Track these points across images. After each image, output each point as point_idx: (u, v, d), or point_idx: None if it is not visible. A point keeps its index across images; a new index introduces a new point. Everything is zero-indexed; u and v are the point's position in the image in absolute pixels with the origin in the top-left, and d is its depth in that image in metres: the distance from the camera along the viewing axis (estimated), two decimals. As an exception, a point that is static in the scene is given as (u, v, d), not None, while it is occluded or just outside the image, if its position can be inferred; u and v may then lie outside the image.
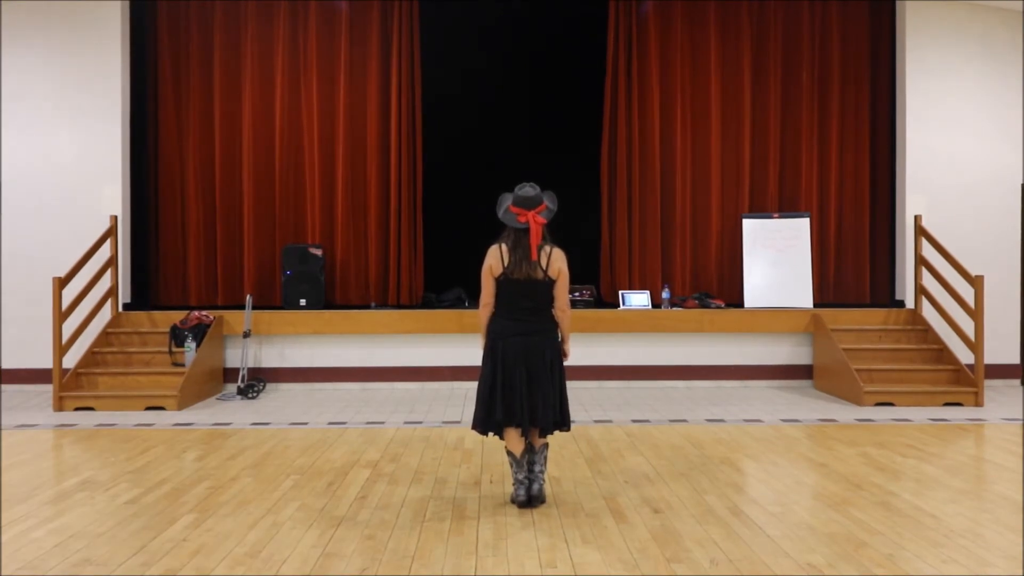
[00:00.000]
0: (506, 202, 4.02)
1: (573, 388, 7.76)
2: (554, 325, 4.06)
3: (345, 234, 8.34)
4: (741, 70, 8.48)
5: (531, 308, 3.97)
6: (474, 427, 4.04)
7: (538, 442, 4.04)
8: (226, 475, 4.66)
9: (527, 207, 3.94)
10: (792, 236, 8.07)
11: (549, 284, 3.96)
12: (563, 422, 4.04)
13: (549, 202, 4.02)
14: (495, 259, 3.97)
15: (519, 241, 3.94)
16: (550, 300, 4.00)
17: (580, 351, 7.89)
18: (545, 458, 4.08)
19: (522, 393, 3.89)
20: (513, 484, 4.04)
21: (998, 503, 4.11)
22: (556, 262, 3.97)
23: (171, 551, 3.42)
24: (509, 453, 4.02)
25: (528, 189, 4.00)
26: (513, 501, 4.01)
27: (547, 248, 3.97)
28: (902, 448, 5.33)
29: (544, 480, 4.08)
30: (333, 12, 8.34)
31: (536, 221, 3.90)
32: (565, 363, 4.15)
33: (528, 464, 4.03)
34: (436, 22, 8.43)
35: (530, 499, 3.99)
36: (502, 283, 3.97)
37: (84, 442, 5.63)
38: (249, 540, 3.55)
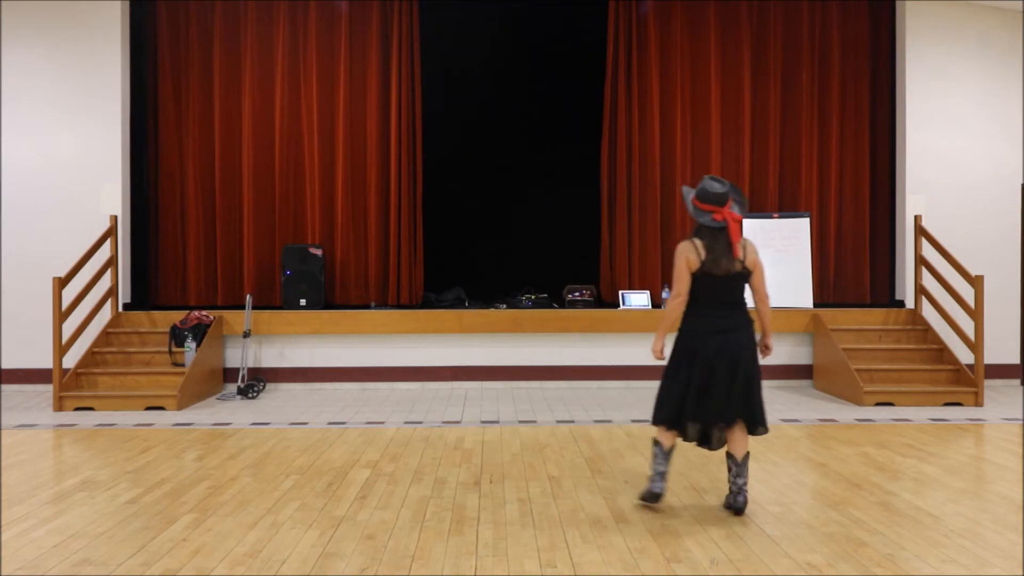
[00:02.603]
0: (690, 196, 3.95)
1: (574, 388, 7.85)
2: (749, 321, 3.96)
3: (345, 234, 8.34)
4: (741, 70, 8.48)
5: (729, 303, 3.90)
6: (657, 422, 3.97)
7: (740, 451, 3.89)
8: (226, 475, 4.66)
9: (720, 203, 3.84)
10: (792, 236, 8.08)
11: (746, 277, 3.90)
12: (761, 422, 3.90)
13: (737, 195, 3.94)
14: (692, 254, 3.86)
15: (716, 238, 3.85)
16: (743, 294, 3.94)
17: (580, 351, 7.93)
18: (747, 469, 3.94)
19: (720, 391, 3.81)
20: (653, 477, 3.94)
21: (998, 503, 4.11)
22: (751, 254, 3.89)
23: (171, 551, 3.42)
24: (657, 443, 3.96)
25: (716, 184, 3.86)
26: (649, 497, 3.94)
27: (742, 242, 3.91)
28: (902, 448, 5.33)
29: (747, 492, 3.94)
30: (333, 12, 8.34)
31: (734, 218, 3.85)
32: (764, 360, 4.06)
33: (732, 475, 3.93)
34: (436, 22, 8.44)
35: (736, 511, 3.90)
36: (699, 278, 3.87)
37: (84, 442, 5.62)
38: (249, 540, 3.55)
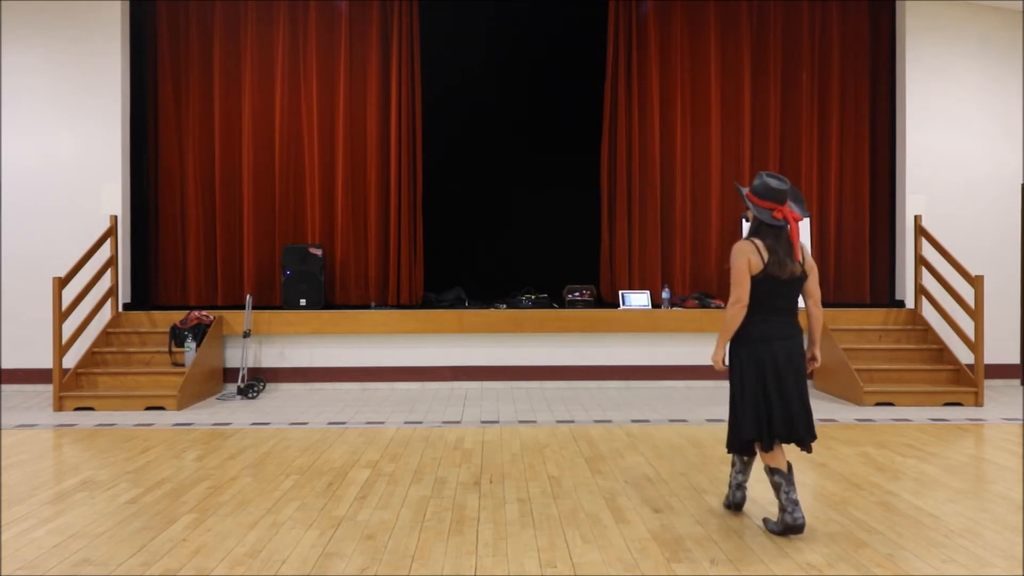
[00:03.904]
0: (744, 191, 3.70)
1: (573, 388, 7.84)
2: (801, 330, 3.69)
3: (345, 234, 8.34)
4: (741, 70, 8.48)
5: (788, 308, 3.63)
6: (736, 448, 3.70)
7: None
8: (226, 475, 4.66)
9: (778, 200, 3.57)
10: (792, 236, 8.06)
11: (804, 280, 3.66)
12: (813, 436, 3.69)
13: (795, 194, 3.69)
14: (754, 254, 3.55)
15: (779, 238, 3.57)
16: (798, 300, 3.73)
17: (580, 351, 7.93)
18: (750, 469, 3.86)
19: (795, 402, 3.58)
20: (787, 506, 3.53)
21: (998, 503, 4.11)
22: (808, 256, 3.68)
23: (171, 551, 3.42)
24: (776, 471, 3.59)
25: (774, 181, 3.59)
26: (798, 529, 3.53)
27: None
28: (902, 448, 5.33)
29: (746, 489, 3.91)
30: (333, 12, 8.35)
31: (795, 217, 3.59)
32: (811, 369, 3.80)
33: (735, 471, 3.86)
34: (436, 22, 8.44)
35: (735, 508, 3.89)
36: (760, 281, 3.56)
37: (84, 442, 5.62)
38: (249, 540, 3.55)
